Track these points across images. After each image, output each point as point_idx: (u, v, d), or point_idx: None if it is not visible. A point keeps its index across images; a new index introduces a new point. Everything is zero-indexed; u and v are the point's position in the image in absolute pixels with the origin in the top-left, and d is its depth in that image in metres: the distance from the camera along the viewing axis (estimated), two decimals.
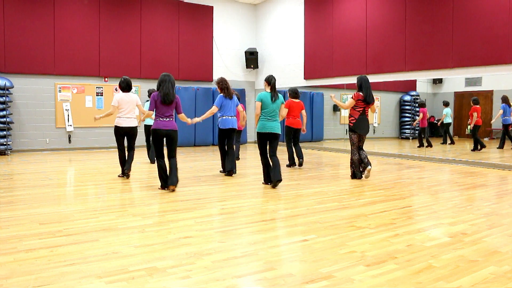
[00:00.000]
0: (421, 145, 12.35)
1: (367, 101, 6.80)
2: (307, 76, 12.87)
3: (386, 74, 10.68)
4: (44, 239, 3.63)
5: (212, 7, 13.82)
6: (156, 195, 5.67)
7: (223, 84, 7.27)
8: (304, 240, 3.72)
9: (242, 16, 14.64)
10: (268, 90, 6.36)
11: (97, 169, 8.08)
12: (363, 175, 7.06)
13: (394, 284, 2.76)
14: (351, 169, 7.12)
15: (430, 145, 12.19)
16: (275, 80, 6.41)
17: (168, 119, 5.95)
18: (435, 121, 13.88)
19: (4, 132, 10.25)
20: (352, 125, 6.87)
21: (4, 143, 10.25)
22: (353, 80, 11.56)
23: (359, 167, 7.04)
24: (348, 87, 12.66)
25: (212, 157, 10.00)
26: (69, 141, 11.65)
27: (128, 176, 6.97)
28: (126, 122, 6.90)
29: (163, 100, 5.84)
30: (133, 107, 7.03)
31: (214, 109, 7.16)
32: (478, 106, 11.45)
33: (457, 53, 9.04)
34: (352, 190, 6.10)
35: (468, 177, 7.49)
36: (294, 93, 8.33)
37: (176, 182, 5.95)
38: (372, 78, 11.04)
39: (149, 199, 5.46)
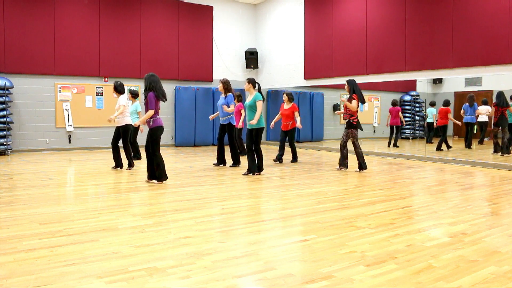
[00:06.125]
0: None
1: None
2: (307, 76, 12.87)
3: (386, 74, 10.67)
4: (44, 239, 3.63)
5: (212, 7, 13.81)
6: (156, 195, 5.67)
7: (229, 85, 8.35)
8: (304, 240, 3.72)
9: (242, 16, 14.63)
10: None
11: (97, 169, 8.08)
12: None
13: (394, 284, 2.76)
14: (360, 160, 7.89)
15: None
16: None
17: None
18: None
19: (4, 132, 10.24)
20: (355, 123, 7.84)
21: (4, 143, 10.25)
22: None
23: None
24: None
25: (212, 157, 9.98)
26: (69, 141, 11.65)
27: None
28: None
29: (163, 99, 6.34)
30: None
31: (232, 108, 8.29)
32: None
33: (457, 53, 9.04)
34: (352, 190, 6.10)
35: (468, 177, 7.49)
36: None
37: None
38: (372, 78, 11.04)
39: (149, 199, 5.47)
